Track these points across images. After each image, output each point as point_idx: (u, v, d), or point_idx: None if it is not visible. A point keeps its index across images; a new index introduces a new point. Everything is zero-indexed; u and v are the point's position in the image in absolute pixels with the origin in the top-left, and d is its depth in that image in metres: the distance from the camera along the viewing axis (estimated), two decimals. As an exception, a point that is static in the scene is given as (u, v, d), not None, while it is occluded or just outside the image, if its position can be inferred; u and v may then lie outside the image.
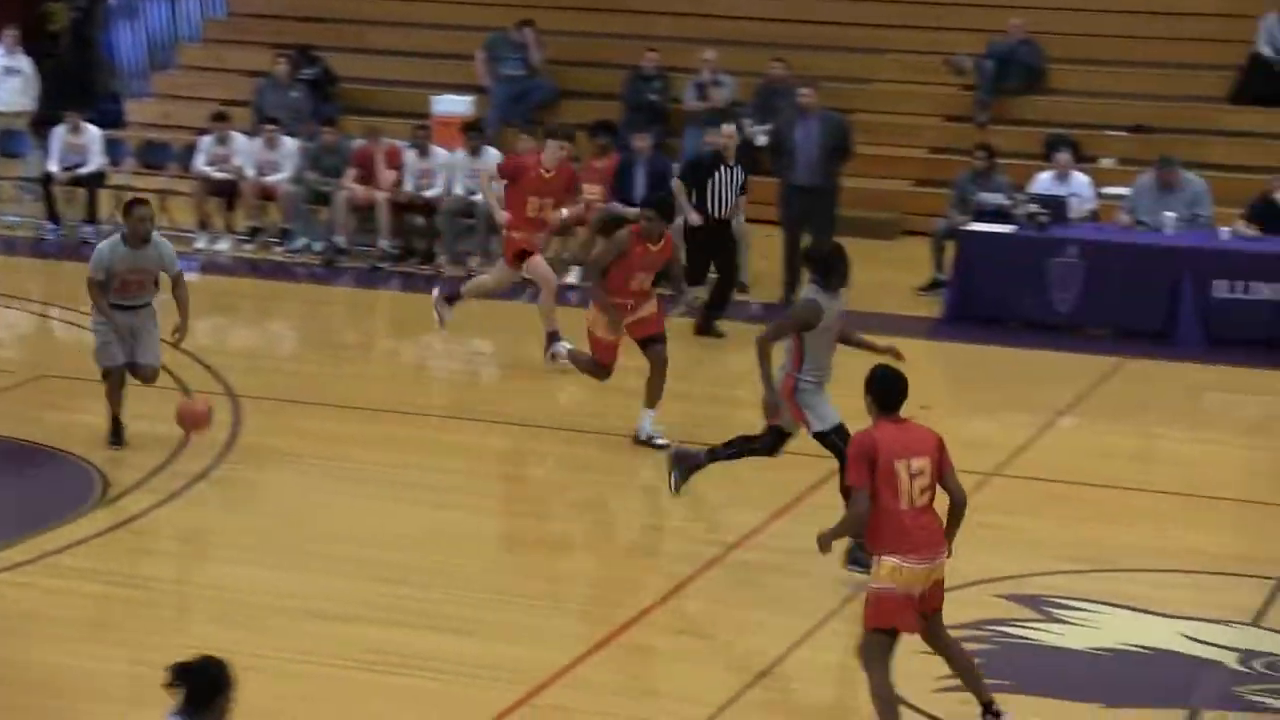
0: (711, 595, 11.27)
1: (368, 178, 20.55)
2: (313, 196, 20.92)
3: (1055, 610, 10.99)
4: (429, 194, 20.44)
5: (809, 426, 11.58)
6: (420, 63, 24.81)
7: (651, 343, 13.87)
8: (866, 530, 8.94)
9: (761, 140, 20.89)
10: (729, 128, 18.00)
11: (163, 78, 26.22)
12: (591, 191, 20.01)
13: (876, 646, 8.96)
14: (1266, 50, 22.06)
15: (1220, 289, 17.58)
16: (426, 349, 17.61)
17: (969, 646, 10.43)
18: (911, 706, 9.63)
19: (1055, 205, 18.44)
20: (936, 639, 9.24)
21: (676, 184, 17.92)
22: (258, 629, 10.53)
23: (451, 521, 12.27)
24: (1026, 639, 10.69)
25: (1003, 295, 18.16)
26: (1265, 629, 10.83)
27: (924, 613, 9.02)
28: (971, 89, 23.02)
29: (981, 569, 11.54)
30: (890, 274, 19.77)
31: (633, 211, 19.67)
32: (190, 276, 20.00)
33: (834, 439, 11.49)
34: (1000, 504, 12.77)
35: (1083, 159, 20.50)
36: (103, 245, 13.36)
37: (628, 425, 14.14)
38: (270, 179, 20.97)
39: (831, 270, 11.43)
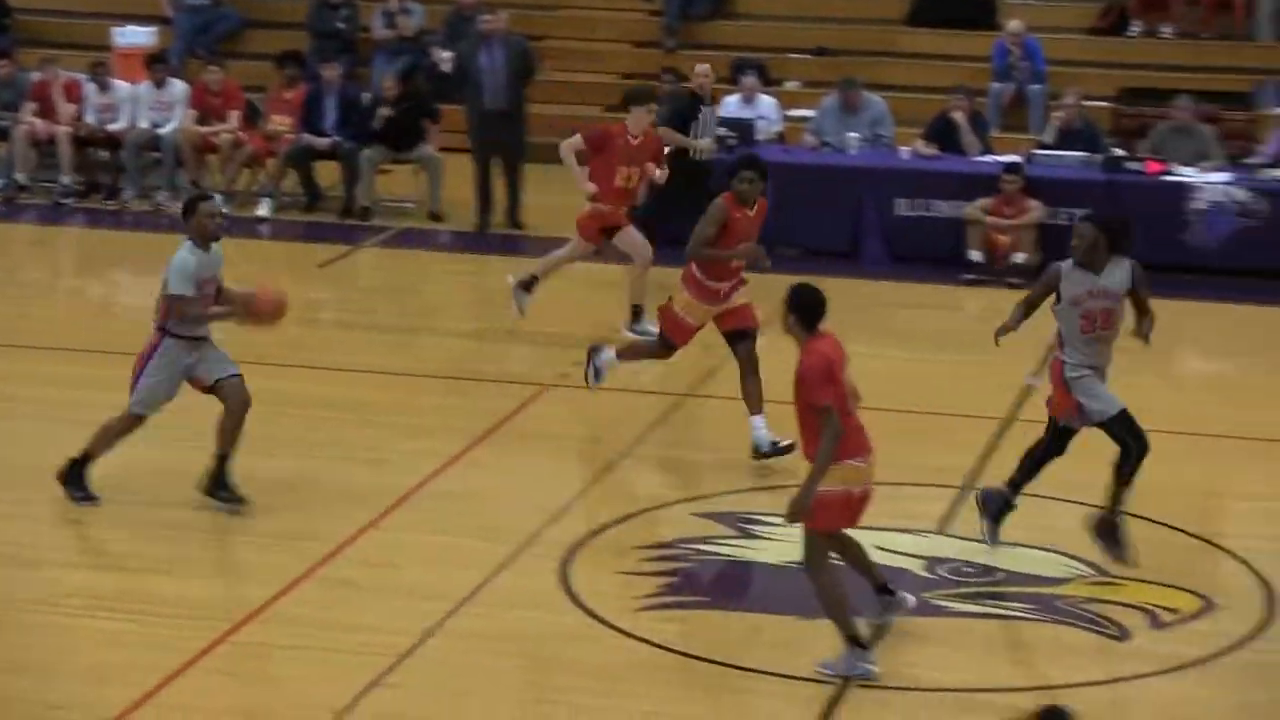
0: (411, 526, 11.26)
1: (47, 112, 20.04)
2: (-11, 132, 20.39)
3: (750, 526, 11.21)
4: (113, 128, 20.00)
5: (1087, 416, 10.46)
6: (100, -7, 24.20)
7: (741, 338, 12.41)
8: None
9: (447, 67, 20.81)
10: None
11: None
12: (281, 123, 19.78)
13: (821, 549, 9.29)
14: (938, -27, 22.55)
15: (901, 207, 18.02)
16: (114, 286, 17.29)
17: (667, 565, 10.65)
18: (614, 627, 9.78)
19: (743, 128, 18.68)
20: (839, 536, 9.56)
21: (663, 131, 16.60)
22: (-53, 577, 10.32)
23: (144, 459, 12.05)
24: (723, 555, 10.89)
25: (694, 218, 18.30)
26: (950, 536, 11.18)
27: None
28: (659, 15, 23.16)
29: (677, 488, 11.73)
30: (582, 200, 19.82)
31: (324, 142, 19.55)
32: None
33: (1116, 429, 10.41)
34: (694, 425, 12.95)
35: (769, 82, 20.77)
36: (176, 259, 11.08)
37: (336, 359, 14.03)
38: (-56, 115, 20.35)
39: (1089, 244, 10.33)
